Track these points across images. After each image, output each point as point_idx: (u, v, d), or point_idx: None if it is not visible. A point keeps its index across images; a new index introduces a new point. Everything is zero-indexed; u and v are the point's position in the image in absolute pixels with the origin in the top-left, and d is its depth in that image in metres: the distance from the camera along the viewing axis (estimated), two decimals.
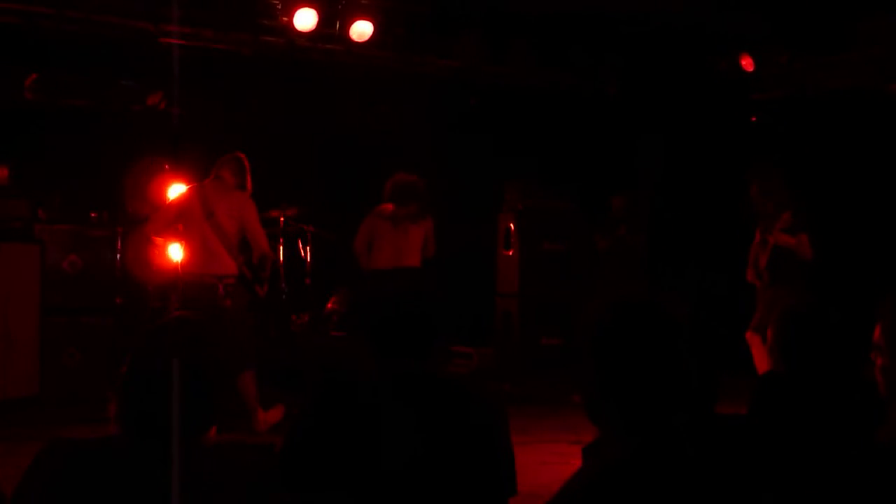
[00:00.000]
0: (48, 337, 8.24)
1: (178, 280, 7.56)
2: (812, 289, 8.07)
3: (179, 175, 8.83)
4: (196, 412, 2.58)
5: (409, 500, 2.71)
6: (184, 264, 7.44)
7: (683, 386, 2.21)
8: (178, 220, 7.49)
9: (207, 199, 7.41)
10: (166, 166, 9.30)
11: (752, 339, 8.14)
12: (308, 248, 10.49)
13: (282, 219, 10.16)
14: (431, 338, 2.92)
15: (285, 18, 8.60)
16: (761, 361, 7.93)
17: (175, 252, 7.68)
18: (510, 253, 10.34)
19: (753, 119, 10.58)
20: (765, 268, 8.26)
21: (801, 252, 8.04)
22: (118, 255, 9.16)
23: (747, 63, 9.77)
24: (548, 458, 6.39)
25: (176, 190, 8.62)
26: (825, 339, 3.34)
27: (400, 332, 2.89)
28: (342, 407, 2.80)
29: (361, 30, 9.27)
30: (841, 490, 2.51)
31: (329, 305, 10.55)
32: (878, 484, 2.36)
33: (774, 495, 2.53)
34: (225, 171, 7.54)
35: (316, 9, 8.71)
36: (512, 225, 10.31)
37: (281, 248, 10.16)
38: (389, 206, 8.50)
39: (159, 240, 7.81)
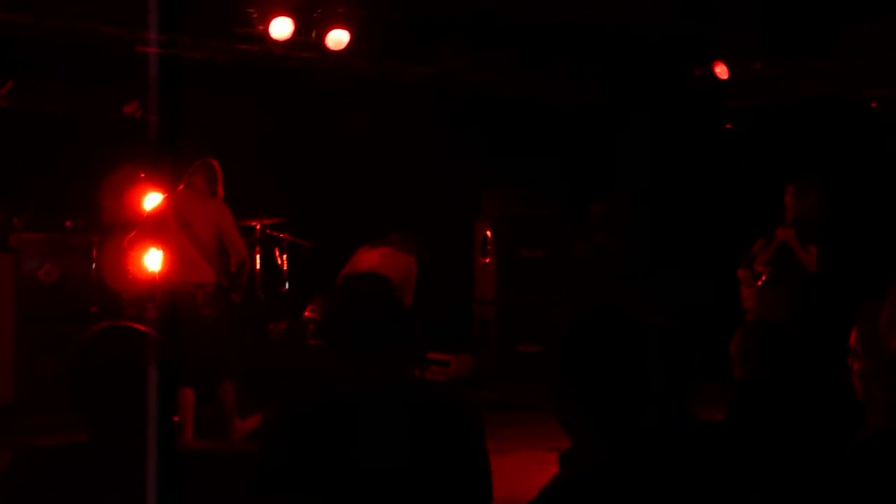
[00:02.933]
0: (23, 345, 8.20)
1: (156, 289, 7.55)
2: (808, 295, 8.10)
3: (155, 183, 8.80)
4: (135, 417, 2.59)
5: None
6: (162, 273, 7.42)
7: (650, 391, 2.23)
8: (154, 231, 7.46)
9: (182, 208, 7.39)
10: (142, 174, 9.28)
11: None
12: (284, 255, 10.48)
13: (258, 227, 10.14)
14: (391, 330, 2.91)
15: (261, 27, 8.59)
16: None
17: (151, 261, 7.67)
18: (487, 260, 10.35)
19: (728, 126, 10.63)
20: (764, 265, 8.27)
21: (806, 261, 8.05)
22: (94, 264, 9.13)
23: (721, 71, 9.81)
24: (525, 465, 6.40)
25: (152, 198, 8.60)
26: (798, 348, 3.37)
27: (356, 322, 2.89)
28: (316, 414, 2.80)
29: (337, 38, 9.26)
30: (818, 494, 2.54)
31: (306, 313, 10.53)
32: (858, 482, 2.38)
33: (754, 499, 2.55)
34: (197, 177, 7.52)
35: (292, 17, 8.71)
36: (489, 232, 10.33)
37: (258, 255, 10.14)
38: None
39: (136, 251, 7.78)
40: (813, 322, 7.73)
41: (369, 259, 9.00)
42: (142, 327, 2.77)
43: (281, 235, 10.34)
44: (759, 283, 8.26)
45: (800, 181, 8.27)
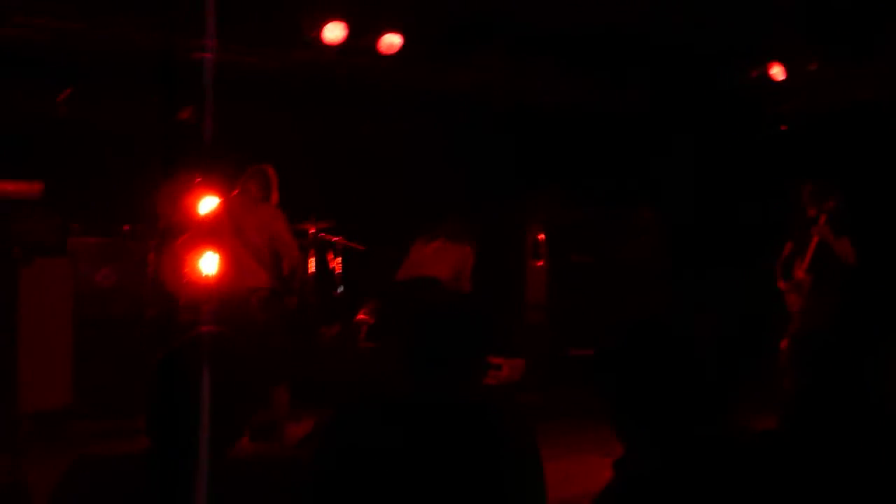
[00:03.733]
0: (81, 349, 8.30)
1: (210, 294, 7.61)
2: (851, 296, 8.04)
3: (211, 188, 8.89)
4: (222, 426, 2.60)
5: None
6: (216, 278, 7.48)
7: (703, 400, 2.23)
8: (209, 236, 7.53)
9: (235, 214, 7.46)
10: (198, 179, 9.37)
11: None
12: (338, 259, 10.53)
13: (311, 231, 10.21)
14: (476, 358, 2.91)
15: (314, 33, 8.65)
16: None
17: (207, 266, 7.74)
18: (539, 264, 10.35)
19: (783, 128, 10.54)
20: (806, 270, 8.22)
21: (843, 253, 8.00)
22: (150, 269, 9.22)
23: (777, 72, 9.73)
24: (576, 472, 6.39)
25: (208, 203, 8.69)
26: (847, 358, 3.34)
27: (447, 356, 2.88)
28: (369, 424, 2.81)
29: (390, 42, 9.31)
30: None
31: (358, 316, 10.57)
32: None
33: None
34: (251, 184, 7.59)
35: (344, 22, 8.76)
36: (541, 236, 10.32)
37: (311, 259, 10.21)
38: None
39: (190, 255, 7.84)
40: (861, 324, 7.65)
41: (424, 255, 9.01)
42: (225, 334, 2.79)
43: (334, 239, 10.40)
44: (806, 290, 8.21)
45: (816, 183, 8.24)
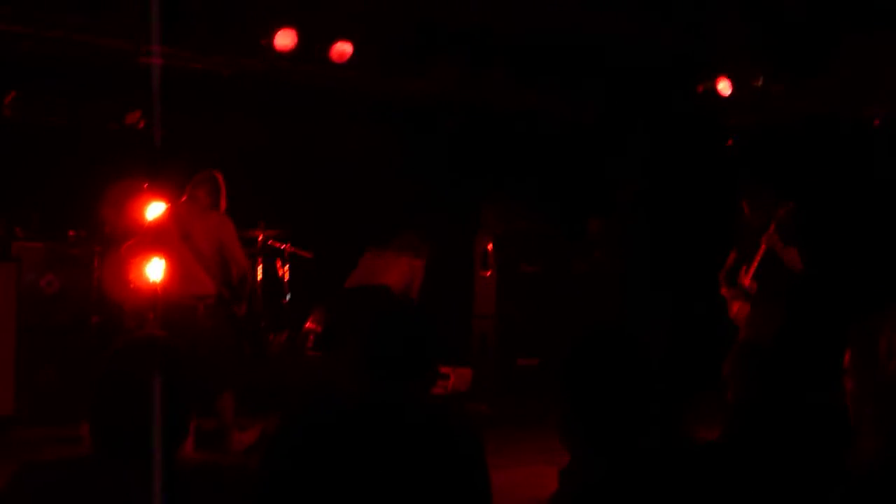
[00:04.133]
0: (24, 356, 8.20)
1: (157, 301, 7.55)
2: (796, 306, 8.13)
3: (158, 194, 8.82)
4: (166, 431, 2.59)
5: None
6: (163, 285, 7.42)
7: (650, 410, 2.25)
8: (155, 242, 7.47)
9: (183, 220, 7.41)
10: (145, 185, 9.29)
11: None
12: (286, 266, 10.51)
13: (260, 237, 10.18)
14: (428, 360, 2.93)
15: (264, 40, 8.62)
16: None
17: (153, 272, 7.67)
18: (488, 274, 10.37)
19: (729, 143, 10.66)
20: (752, 278, 8.31)
21: (790, 262, 8.10)
22: (95, 275, 9.14)
23: (724, 87, 9.84)
24: (524, 481, 6.40)
25: (154, 209, 8.62)
26: (789, 368, 3.39)
27: (401, 354, 2.90)
28: (317, 430, 2.81)
29: (341, 50, 9.31)
30: None
31: (307, 325, 10.55)
32: None
33: None
34: (199, 190, 7.54)
35: (295, 30, 8.74)
36: (490, 246, 10.35)
37: (259, 267, 10.17)
38: None
39: (136, 261, 7.77)
40: (805, 335, 7.77)
41: (375, 265, 9.02)
42: (168, 339, 2.78)
43: (282, 246, 10.37)
44: (752, 297, 8.29)
45: (767, 192, 8.34)
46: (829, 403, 3.22)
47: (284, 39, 8.79)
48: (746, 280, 8.34)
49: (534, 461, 7.06)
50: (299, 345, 10.31)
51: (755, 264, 8.28)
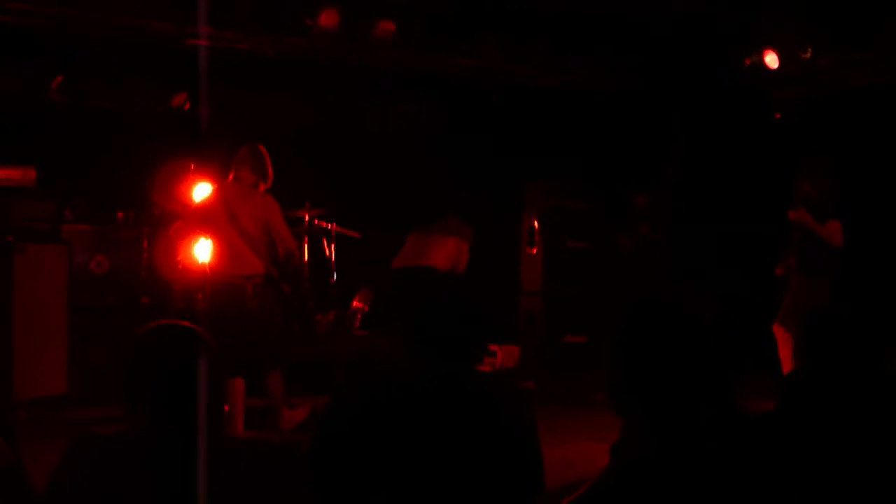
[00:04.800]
0: (75, 336, 8.29)
1: (205, 281, 7.60)
2: (839, 280, 8.06)
3: (205, 175, 8.87)
4: (193, 412, 2.64)
5: (438, 499, 2.72)
6: (211, 266, 7.46)
7: (707, 383, 2.23)
8: (203, 223, 7.51)
9: (229, 201, 7.45)
10: (192, 166, 9.35)
11: (778, 332, 8.09)
12: (332, 246, 10.53)
13: (306, 218, 10.21)
14: (476, 341, 2.94)
15: (308, 19, 8.62)
16: (785, 356, 7.89)
17: (201, 253, 7.72)
18: (534, 251, 10.33)
19: (777, 116, 10.53)
20: (791, 253, 8.25)
21: (829, 237, 8.02)
22: (144, 255, 9.22)
23: (771, 60, 9.71)
24: (572, 457, 6.40)
25: (201, 189, 8.67)
26: (849, 338, 3.34)
27: (449, 334, 2.91)
28: (368, 407, 2.82)
29: (384, 30, 9.32)
30: (864, 488, 2.52)
31: (353, 304, 10.58)
32: None
33: (800, 494, 2.54)
34: (243, 170, 7.56)
35: (338, 9, 8.73)
36: (536, 223, 10.31)
37: (305, 246, 10.21)
38: None
39: (184, 242, 7.81)
40: (853, 305, 7.68)
41: (421, 245, 9.01)
42: (191, 325, 2.82)
43: (329, 226, 10.40)
44: (789, 269, 8.23)
45: (810, 167, 8.26)
46: (885, 376, 3.18)
47: (327, 19, 8.77)
48: (791, 258, 8.28)
49: (583, 438, 7.06)
50: (347, 324, 10.35)
51: (794, 241, 8.22)
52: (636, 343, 2.28)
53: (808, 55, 9.37)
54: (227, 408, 6.85)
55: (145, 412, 2.69)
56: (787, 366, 7.77)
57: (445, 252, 8.83)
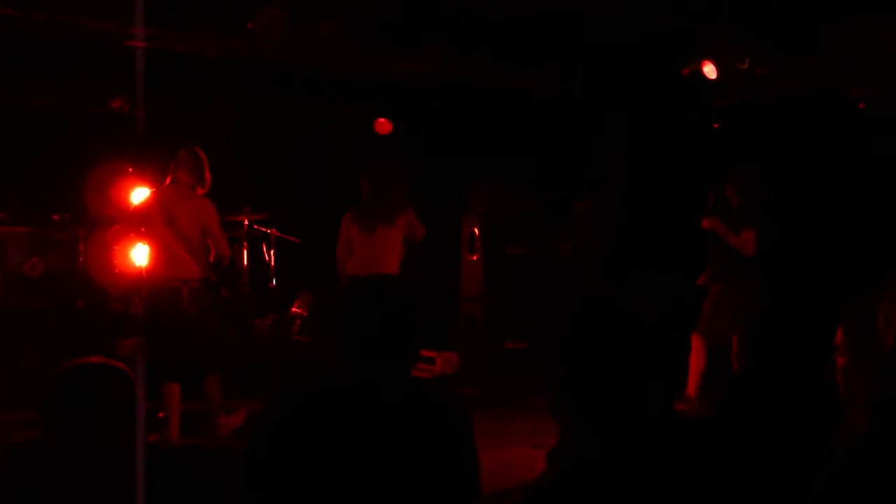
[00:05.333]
0: (7, 338, 8.17)
1: (141, 285, 7.53)
2: (758, 288, 8.13)
3: (142, 178, 8.78)
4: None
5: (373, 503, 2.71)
6: (147, 269, 7.39)
7: (648, 385, 2.24)
8: (140, 226, 7.43)
9: (167, 204, 7.36)
10: (129, 169, 9.26)
11: (694, 340, 8.03)
12: (272, 251, 10.48)
13: (245, 222, 10.15)
14: (405, 339, 2.93)
15: (250, 22, 8.56)
16: (697, 364, 7.86)
17: (138, 256, 7.65)
18: (474, 257, 10.36)
19: (715, 126, 10.64)
20: (709, 262, 8.32)
21: (741, 247, 8.10)
22: (80, 258, 9.11)
23: (710, 70, 9.81)
24: (511, 462, 6.40)
25: (138, 193, 8.58)
26: (793, 342, 3.38)
27: (377, 332, 2.90)
28: (302, 410, 2.80)
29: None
30: (796, 493, 2.54)
31: (292, 309, 10.53)
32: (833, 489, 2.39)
33: (736, 497, 2.55)
34: (181, 172, 7.48)
35: (281, 11, 8.67)
36: (476, 229, 10.33)
37: (245, 251, 10.15)
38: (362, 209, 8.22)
39: (121, 245, 7.71)
40: (791, 313, 7.78)
41: (373, 248, 8.74)
42: (111, 362, 2.82)
43: (269, 231, 10.35)
44: (708, 278, 8.30)
45: (740, 173, 8.36)
46: (819, 380, 3.21)
47: (270, 20, 8.67)
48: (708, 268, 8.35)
49: (521, 443, 7.06)
50: (285, 329, 10.30)
51: (712, 250, 8.31)
52: (576, 345, 2.28)
53: (746, 66, 9.47)
54: (161, 414, 6.79)
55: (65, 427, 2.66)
56: (694, 375, 7.76)
57: (395, 248, 8.42)
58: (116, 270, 9.11)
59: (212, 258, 7.49)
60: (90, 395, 2.68)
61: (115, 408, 2.65)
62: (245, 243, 10.15)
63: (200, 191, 7.52)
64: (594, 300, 2.35)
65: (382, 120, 10.89)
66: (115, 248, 7.92)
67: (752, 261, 8.12)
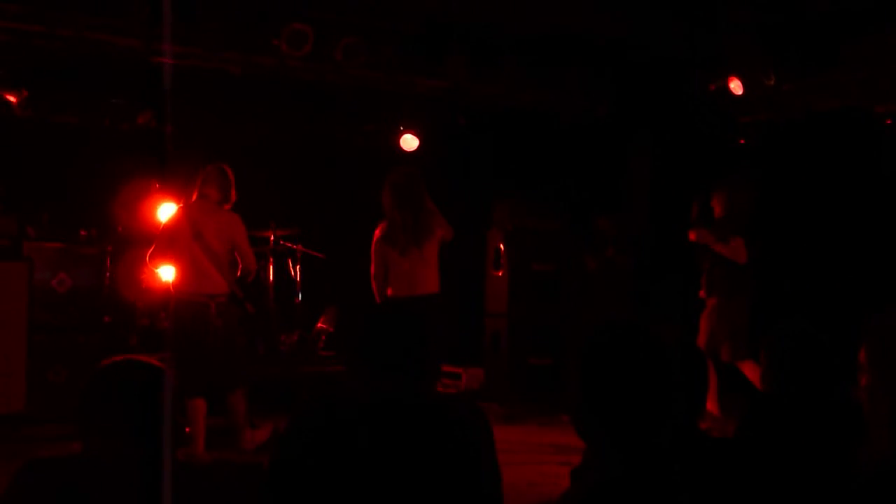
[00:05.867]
0: (35, 354, 8.22)
1: (169, 300, 7.55)
2: (753, 300, 8.10)
3: (169, 194, 8.83)
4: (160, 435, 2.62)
5: None
6: (175, 284, 7.41)
7: (668, 405, 2.23)
8: (170, 243, 7.44)
9: (195, 220, 7.39)
10: (156, 185, 9.31)
11: None
12: (298, 267, 10.51)
13: (272, 238, 10.18)
14: (421, 357, 2.92)
15: (276, 39, 8.60)
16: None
17: (165, 272, 7.67)
18: (499, 273, 10.35)
19: (742, 142, 10.61)
20: (703, 277, 8.29)
21: (733, 255, 8.07)
22: (107, 274, 9.16)
23: (736, 86, 9.79)
24: (536, 479, 6.39)
25: (165, 209, 8.62)
26: (814, 361, 3.36)
27: (388, 349, 2.90)
28: (326, 427, 2.80)
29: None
30: None
31: (318, 324, 10.55)
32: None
33: None
34: (209, 188, 7.52)
35: (308, 29, 8.70)
36: (501, 245, 10.33)
37: (271, 267, 10.17)
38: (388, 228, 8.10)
39: (157, 265, 7.69)
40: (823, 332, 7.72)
41: (409, 269, 8.60)
42: (153, 361, 2.80)
43: (294, 247, 10.37)
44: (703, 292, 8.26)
45: (730, 186, 8.33)
46: (843, 399, 3.20)
47: (296, 38, 8.71)
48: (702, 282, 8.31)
49: (547, 460, 7.06)
50: (311, 345, 10.32)
51: (704, 264, 8.27)
52: (598, 365, 2.28)
53: (772, 82, 9.45)
54: (188, 429, 6.81)
55: (100, 437, 2.65)
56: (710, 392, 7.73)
57: (433, 267, 8.27)
58: (144, 286, 9.17)
59: (238, 272, 7.51)
60: (128, 390, 2.67)
61: (153, 403, 2.64)
62: (271, 259, 10.18)
63: (226, 206, 7.56)
64: (613, 321, 2.34)
65: (408, 135, 10.91)
66: (151, 267, 7.93)
67: (745, 273, 8.10)
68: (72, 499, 2.51)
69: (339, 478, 2.71)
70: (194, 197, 7.54)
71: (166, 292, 7.74)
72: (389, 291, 7.84)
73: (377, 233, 7.92)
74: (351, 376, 2.96)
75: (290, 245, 10.36)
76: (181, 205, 7.73)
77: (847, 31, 8.58)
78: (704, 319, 8.16)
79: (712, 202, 8.35)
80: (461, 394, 9.95)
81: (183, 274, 7.36)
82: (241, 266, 7.50)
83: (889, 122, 9.25)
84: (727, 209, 8.25)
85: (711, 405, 7.66)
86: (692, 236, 8.31)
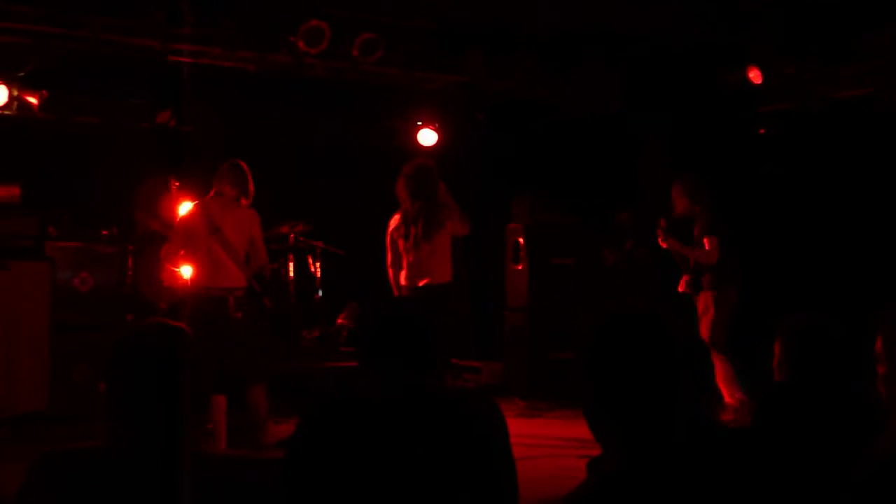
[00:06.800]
0: (58, 353, 8.26)
1: (187, 294, 7.58)
2: (742, 291, 8.08)
3: (189, 192, 8.86)
4: (181, 413, 2.61)
5: None
6: (192, 279, 7.45)
7: (680, 397, 2.22)
8: (186, 238, 7.49)
9: (211, 215, 7.44)
10: (175, 183, 9.35)
11: None
12: (318, 263, 10.53)
13: (291, 235, 10.21)
14: (427, 347, 2.92)
15: (293, 37, 8.62)
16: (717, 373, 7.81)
17: (185, 270, 7.71)
18: (519, 267, 10.34)
19: (762, 131, 10.56)
20: (685, 274, 8.27)
21: (703, 258, 8.05)
22: (129, 273, 9.20)
23: (755, 75, 9.74)
24: (555, 473, 6.37)
25: (185, 207, 8.67)
26: (831, 351, 3.35)
27: (393, 340, 2.90)
28: (341, 422, 2.81)
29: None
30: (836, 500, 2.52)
31: (338, 321, 10.57)
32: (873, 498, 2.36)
33: None
34: (224, 185, 7.56)
35: (325, 26, 8.72)
36: (521, 239, 10.32)
37: (290, 263, 10.20)
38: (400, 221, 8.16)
39: (174, 262, 7.75)
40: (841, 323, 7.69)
41: (426, 260, 8.60)
42: (180, 325, 2.79)
43: (314, 243, 10.40)
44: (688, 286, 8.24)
45: (684, 180, 8.31)
46: (859, 389, 3.19)
47: (313, 35, 8.72)
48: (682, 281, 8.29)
49: (567, 454, 7.04)
50: (332, 341, 10.34)
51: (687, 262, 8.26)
52: (601, 355, 2.27)
53: (792, 70, 9.41)
54: (210, 425, 6.83)
55: (122, 421, 2.65)
56: (721, 383, 7.71)
57: (447, 256, 8.30)
58: (165, 284, 9.20)
59: (252, 266, 7.55)
60: (152, 349, 2.66)
61: (177, 362, 2.64)
62: (291, 255, 10.21)
63: (245, 202, 7.59)
64: (621, 312, 2.34)
65: (426, 130, 10.92)
66: (167, 264, 7.97)
67: (732, 266, 8.08)
68: (87, 491, 2.52)
69: (353, 472, 2.72)
70: (211, 194, 7.59)
71: (185, 287, 7.78)
72: (402, 281, 7.94)
73: (391, 223, 8.00)
74: (362, 371, 2.96)
75: (310, 242, 10.39)
76: (198, 201, 7.78)
77: (867, 20, 8.53)
78: (698, 313, 8.14)
79: (676, 209, 8.35)
80: (480, 388, 9.95)
81: (200, 268, 7.40)
82: (253, 264, 7.54)
83: None
84: (687, 207, 8.24)
85: (727, 396, 7.66)
86: (662, 245, 8.31)
